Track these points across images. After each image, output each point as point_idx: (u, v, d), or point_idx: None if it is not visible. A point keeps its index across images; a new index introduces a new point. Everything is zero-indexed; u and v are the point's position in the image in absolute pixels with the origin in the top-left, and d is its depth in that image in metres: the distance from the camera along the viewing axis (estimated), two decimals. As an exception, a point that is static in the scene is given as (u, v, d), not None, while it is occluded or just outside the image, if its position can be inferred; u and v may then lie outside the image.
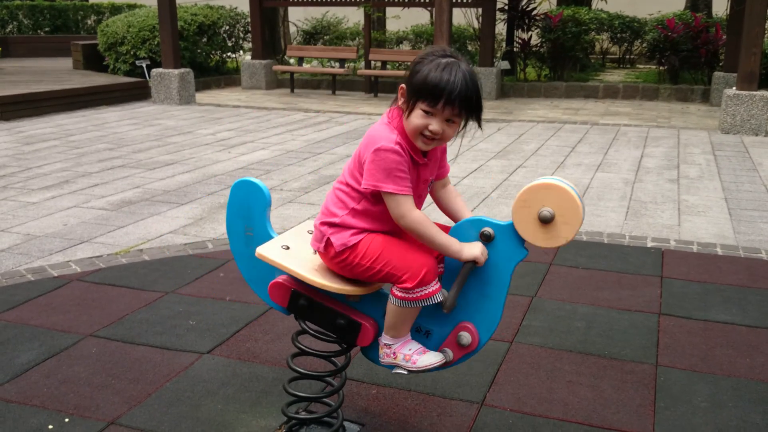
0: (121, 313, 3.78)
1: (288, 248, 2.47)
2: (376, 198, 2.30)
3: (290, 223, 5.48)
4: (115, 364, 3.24)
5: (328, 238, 2.34)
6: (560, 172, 7.35)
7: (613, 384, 3.09)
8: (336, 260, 2.35)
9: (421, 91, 2.20)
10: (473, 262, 2.26)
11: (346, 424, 2.73)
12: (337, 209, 2.35)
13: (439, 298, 2.27)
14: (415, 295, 2.24)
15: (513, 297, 3.99)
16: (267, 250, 2.42)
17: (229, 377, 3.12)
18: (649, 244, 4.99)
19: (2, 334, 3.53)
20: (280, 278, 2.49)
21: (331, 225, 2.35)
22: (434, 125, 2.23)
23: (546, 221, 2.17)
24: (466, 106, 2.23)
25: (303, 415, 2.68)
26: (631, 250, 4.83)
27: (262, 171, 7.34)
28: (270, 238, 2.54)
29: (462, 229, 2.31)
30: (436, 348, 2.41)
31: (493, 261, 2.28)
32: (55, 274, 4.33)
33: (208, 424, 2.77)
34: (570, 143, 9.05)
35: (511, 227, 2.24)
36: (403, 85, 2.28)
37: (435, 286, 2.26)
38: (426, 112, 2.22)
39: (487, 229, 2.27)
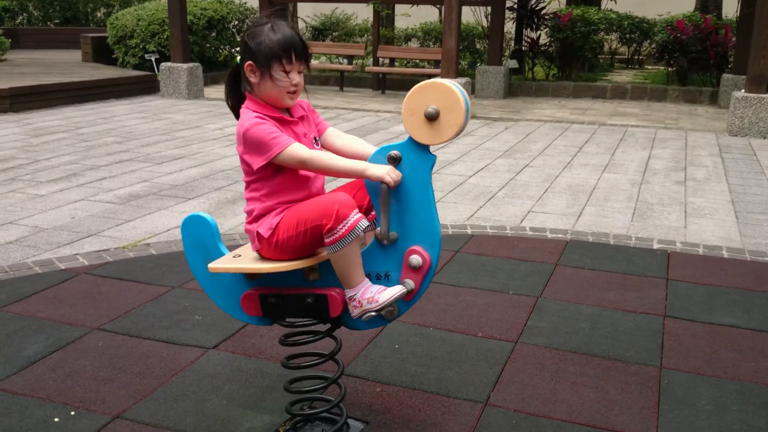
0: (128, 306, 3.80)
1: (239, 256, 2.56)
2: (272, 171, 2.43)
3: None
4: (121, 357, 3.26)
5: (257, 232, 2.46)
6: (567, 171, 7.35)
7: (617, 386, 3.09)
8: (271, 248, 2.45)
9: (274, 55, 2.37)
10: (387, 186, 2.35)
11: (350, 421, 2.74)
12: (251, 206, 2.50)
13: (363, 224, 2.33)
14: (339, 233, 2.31)
15: (518, 297, 4.00)
16: (218, 263, 2.51)
17: (234, 373, 3.14)
18: (655, 246, 4.99)
19: (9, 326, 3.55)
20: (247, 291, 2.56)
21: (255, 220, 2.48)
22: (296, 78, 2.43)
23: (433, 118, 2.31)
24: (307, 53, 2.46)
25: (306, 411, 2.70)
26: (637, 252, 4.83)
27: (269, 167, 7.35)
28: None
29: (373, 162, 2.42)
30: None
31: (410, 177, 2.39)
32: (63, 267, 4.36)
33: (213, 420, 2.79)
34: (577, 143, 9.04)
35: (411, 140, 2.37)
36: (250, 62, 2.41)
37: (355, 216, 2.32)
38: (285, 71, 2.40)
39: (392, 152, 2.39)
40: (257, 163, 2.38)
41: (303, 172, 2.46)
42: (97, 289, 4.03)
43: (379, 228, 2.42)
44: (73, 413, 2.81)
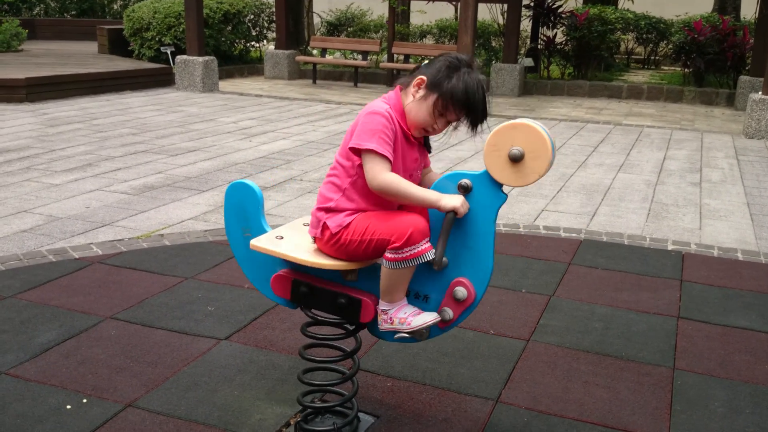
0: (141, 296, 3.81)
1: (282, 238, 2.54)
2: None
3: (310, 213, 5.49)
4: (133, 346, 3.27)
5: (325, 222, 2.42)
6: (582, 171, 7.31)
7: (629, 386, 3.08)
8: (331, 242, 2.41)
9: (448, 100, 2.34)
10: (454, 214, 2.30)
11: (360, 415, 2.74)
12: (331, 194, 2.45)
13: (429, 256, 2.30)
14: (404, 255, 2.28)
15: (530, 295, 3.99)
16: (261, 241, 2.49)
17: (245, 364, 3.14)
18: (670, 247, 4.96)
19: (23, 313, 3.57)
20: (280, 271, 2.55)
21: (327, 210, 2.43)
22: (440, 125, 2.40)
23: (517, 160, 2.24)
24: (479, 122, 2.42)
25: (318, 404, 2.70)
26: (651, 253, 4.80)
27: (283, 161, 7.36)
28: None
29: (441, 186, 2.37)
30: (436, 310, 2.44)
31: (475, 211, 2.33)
32: (77, 256, 4.37)
33: (224, 410, 2.79)
34: (592, 143, 8.99)
35: (486, 175, 2.31)
36: (424, 78, 2.37)
37: (425, 245, 2.29)
38: (441, 114, 2.35)
39: (464, 181, 2.33)
40: (351, 142, 2.34)
41: None
42: (110, 278, 4.05)
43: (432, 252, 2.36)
44: (85, 401, 2.82)
